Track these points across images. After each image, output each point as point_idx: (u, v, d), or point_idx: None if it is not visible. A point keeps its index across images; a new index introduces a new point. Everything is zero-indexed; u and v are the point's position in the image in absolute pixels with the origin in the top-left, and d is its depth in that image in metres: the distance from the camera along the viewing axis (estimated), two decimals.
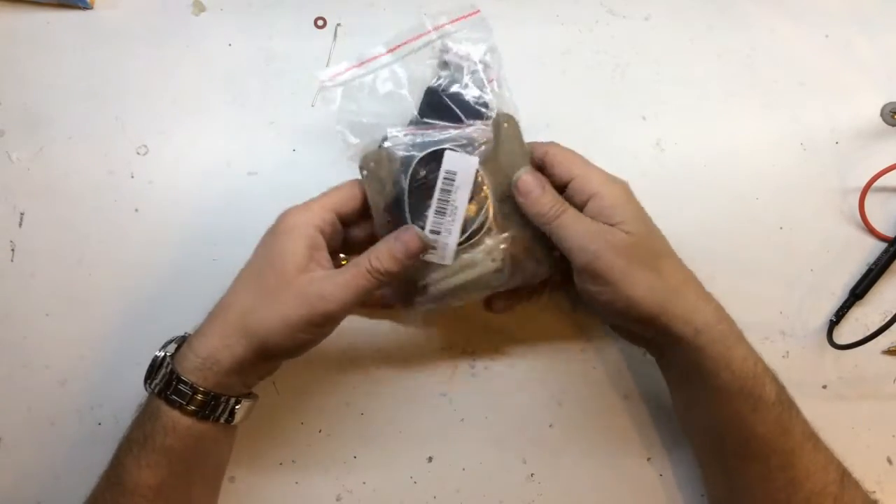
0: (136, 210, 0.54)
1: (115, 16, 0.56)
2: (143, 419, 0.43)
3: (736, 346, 0.43)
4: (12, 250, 0.54)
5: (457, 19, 0.45)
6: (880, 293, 0.53)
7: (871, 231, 0.54)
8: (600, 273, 0.42)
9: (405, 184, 0.44)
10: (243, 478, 0.52)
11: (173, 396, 0.42)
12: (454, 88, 0.45)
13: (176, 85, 0.55)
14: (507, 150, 0.45)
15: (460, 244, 0.45)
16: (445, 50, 0.45)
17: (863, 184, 0.53)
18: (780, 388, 0.44)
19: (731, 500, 0.46)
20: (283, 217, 0.44)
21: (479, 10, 0.45)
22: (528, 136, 0.55)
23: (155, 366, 0.44)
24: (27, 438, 0.52)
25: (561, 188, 0.45)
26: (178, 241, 0.53)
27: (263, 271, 0.43)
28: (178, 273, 0.53)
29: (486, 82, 0.45)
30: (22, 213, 0.54)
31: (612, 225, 0.43)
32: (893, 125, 0.54)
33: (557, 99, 0.56)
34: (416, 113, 0.46)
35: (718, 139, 0.55)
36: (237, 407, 0.44)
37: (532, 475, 0.52)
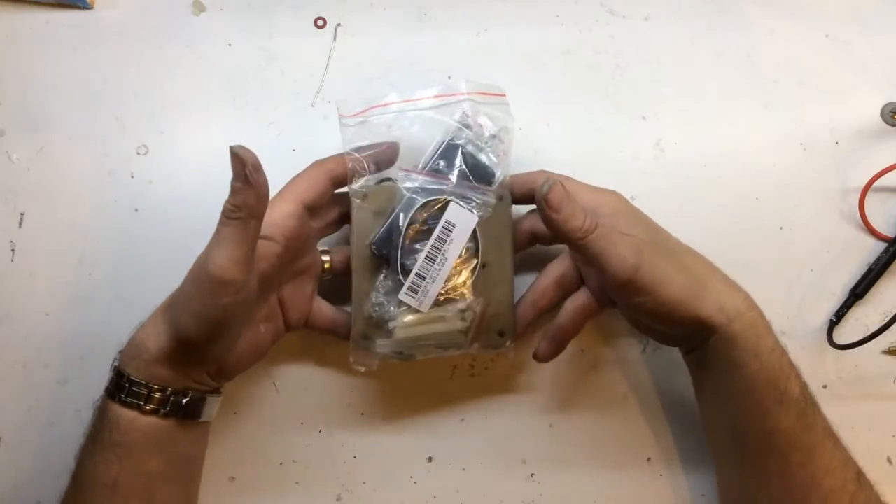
0: (136, 210, 0.54)
1: (115, 16, 0.56)
2: (95, 416, 0.44)
3: (766, 335, 0.43)
4: (12, 250, 0.54)
5: (486, 94, 0.47)
6: (880, 293, 0.53)
7: (871, 231, 0.54)
8: (643, 284, 0.42)
9: (403, 222, 0.45)
10: (243, 478, 0.52)
11: (116, 391, 0.42)
12: (471, 149, 0.46)
13: (176, 85, 0.55)
14: (499, 222, 0.46)
15: (440, 296, 0.45)
16: (470, 114, 0.46)
17: (863, 184, 0.53)
18: (804, 384, 0.44)
19: (746, 496, 0.46)
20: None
21: (505, 94, 0.48)
22: (528, 137, 0.55)
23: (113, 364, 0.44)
24: (27, 438, 0.52)
25: None
26: (178, 241, 0.53)
27: (194, 266, 0.42)
28: (178, 273, 0.52)
29: (498, 154, 0.47)
30: (22, 214, 0.54)
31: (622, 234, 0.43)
32: (893, 125, 0.54)
33: (557, 99, 0.56)
34: (426, 161, 0.46)
35: (718, 139, 0.55)
36: (185, 401, 0.43)
37: (532, 475, 0.52)
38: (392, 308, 0.46)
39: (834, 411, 0.50)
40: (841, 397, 0.53)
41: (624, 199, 0.46)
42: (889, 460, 0.53)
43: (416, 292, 0.45)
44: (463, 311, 0.46)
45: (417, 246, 0.45)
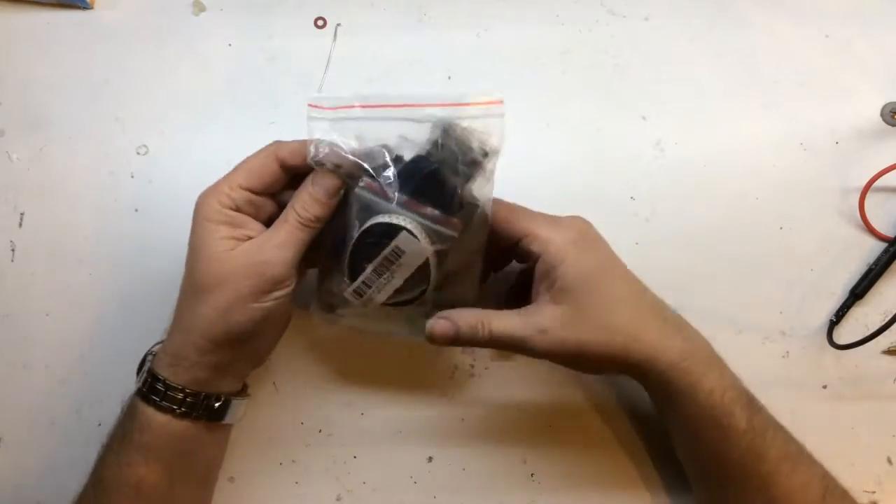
0: (136, 210, 0.54)
1: (115, 16, 0.56)
2: (123, 416, 0.44)
3: (702, 379, 0.43)
4: (12, 250, 0.54)
5: (479, 103, 0.42)
6: (880, 293, 0.53)
7: (871, 231, 0.54)
8: (557, 360, 0.43)
9: (355, 232, 0.42)
10: (243, 478, 0.52)
11: (149, 394, 0.42)
12: (444, 172, 0.42)
13: (176, 85, 0.55)
14: (470, 237, 0.43)
15: (387, 303, 0.44)
16: (451, 130, 0.42)
17: (863, 184, 0.53)
18: (753, 413, 0.43)
19: None
20: (196, 205, 0.43)
21: (501, 101, 0.42)
22: (527, 137, 0.55)
23: (142, 364, 0.45)
24: (27, 438, 0.52)
25: (513, 245, 0.44)
26: (178, 241, 0.53)
27: (196, 266, 0.42)
28: (177, 273, 0.52)
29: (475, 177, 0.42)
30: (22, 214, 0.54)
31: (552, 292, 0.42)
32: (893, 125, 0.54)
33: (557, 99, 0.56)
34: (395, 170, 0.42)
35: (718, 139, 0.55)
36: (217, 405, 0.44)
37: (532, 475, 0.52)
38: (340, 299, 0.45)
39: (834, 411, 0.50)
40: (841, 397, 0.53)
41: (573, 241, 0.43)
42: (889, 460, 0.53)
43: (361, 296, 0.44)
44: (413, 320, 0.45)
45: (370, 254, 0.42)
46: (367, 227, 0.42)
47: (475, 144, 0.42)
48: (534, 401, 0.53)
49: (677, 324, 0.45)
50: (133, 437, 0.42)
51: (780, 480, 0.43)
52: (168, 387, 0.42)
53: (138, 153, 0.55)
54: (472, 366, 0.53)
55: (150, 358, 0.44)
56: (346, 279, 0.44)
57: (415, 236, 0.41)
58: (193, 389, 0.42)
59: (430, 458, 0.53)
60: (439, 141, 0.42)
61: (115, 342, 0.53)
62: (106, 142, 0.55)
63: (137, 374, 0.45)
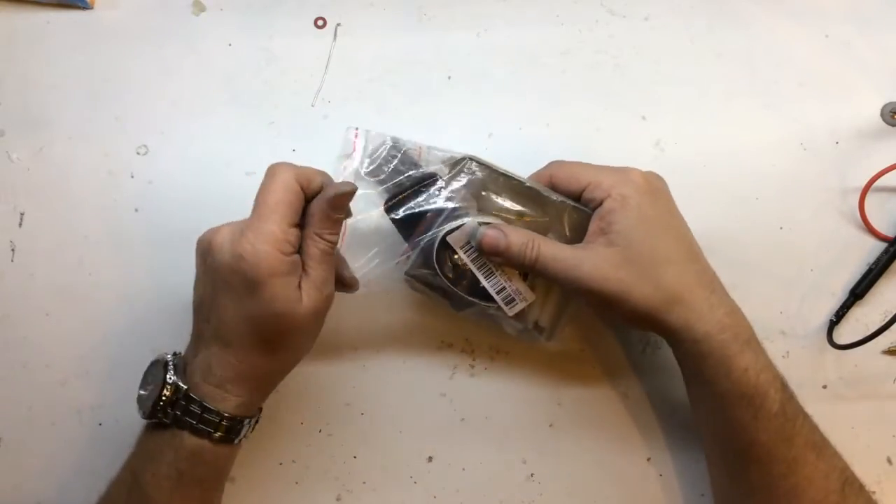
0: (136, 210, 0.54)
1: (115, 16, 0.56)
2: (179, 455, 0.42)
3: (739, 355, 0.42)
4: (12, 250, 0.54)
5: (353, 148, 0.45)
6: (880, 293, 0.53)
7: (871, 231, 0.54)
8: (595, 299, 0.43)
9: (441, 282, 0.45)
10: (243, 478, 0.52)
11: (200, 426, 0.41)
12: (410, 197, 0.45)
13: (176, 85, 0.55)
14: (494, 183, 0.45)
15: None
16: (377, 171, 0.45)
17: (863, 184, 0.53)
18: (786, 398, 0.43)
19: (735, 502, 0.47)
20: (251, 259, 0.39)
21: (357, 129, 0.45)
22: (528, 137, 0.55)
23: (158, 397, 0.41)
24: (27, 438, 0.52)
25: (577, 197, 0.46)
26: (178, 241, 0.53)
27: (267, 324, 0.41)
28: (177, 273, 0.53)
29: (418, 161, 0.45)
30: (22, 213, 0.54)
31: (608, 235, 0.43)
32: (893, 125, 0.54)
33: (557, 99, 0.56)
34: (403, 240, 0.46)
35: (718, 139, 0.55)
36: (256, 423, 0.45)
37: (532, 475, 0.52)
38: (524, 325, 0.47)
39: (834, 411, 0.50)
40: (841, 397, 0.53)
41: (634, 192, 0.44)
42: (889, 460, 0.53)
43: (513, 300, 0.45)
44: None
45: (472, 274, 0.45)
46: (439, 268, 0.44)
47: (385, 158, 0.45)
48: (534, 401, 0.53)
49: (724, 298, 0.44)
50: (192, 472, 0.42)
51: (806, 466, 0.43)
52: (233, 419, 0.42)
53: (138, 153, 0.55)
54: (472, 366, 0.53)
55: (180, 386, 0.42)
56: (498, 306, 0.45)
57: (453, 230, 0.43)
58: (241, 416, 0.43)
59: (430, 458, 0.53)
60: (384, 188, 0.45)
61: (116, 342, 0.52)
62: (106, 142, 0.55)
63: (156, 405, 0.41)
